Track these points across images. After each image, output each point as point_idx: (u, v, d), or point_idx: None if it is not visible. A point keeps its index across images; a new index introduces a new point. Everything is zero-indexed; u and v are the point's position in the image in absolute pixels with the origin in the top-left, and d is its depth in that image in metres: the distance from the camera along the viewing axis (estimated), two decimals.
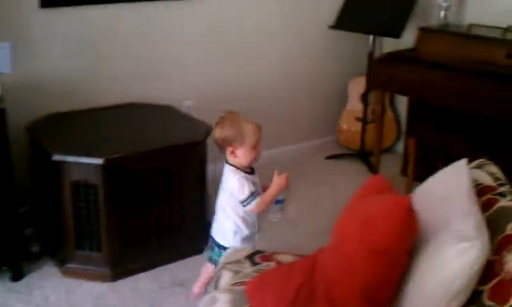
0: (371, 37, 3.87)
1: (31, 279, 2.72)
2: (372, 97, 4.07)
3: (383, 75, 3.50)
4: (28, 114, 2.95)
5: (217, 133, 2.19)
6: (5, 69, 2.63)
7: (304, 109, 4.26)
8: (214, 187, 2.46)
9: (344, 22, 3.83)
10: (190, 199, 2.82)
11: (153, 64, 3.44)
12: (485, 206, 1.62)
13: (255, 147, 2.19)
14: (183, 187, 2.80)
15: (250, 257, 2.09)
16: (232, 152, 2.18)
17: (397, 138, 4.34)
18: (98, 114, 3.12)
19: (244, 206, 2.17)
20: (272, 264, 1.96)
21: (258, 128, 2.20)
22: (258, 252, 2.13)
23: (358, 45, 4.14)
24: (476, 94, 3.03)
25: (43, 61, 3.04)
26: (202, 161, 2.91)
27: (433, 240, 1.48)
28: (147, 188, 2.70)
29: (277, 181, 2.17)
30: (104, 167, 2.55)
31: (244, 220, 2.24)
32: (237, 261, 2.07)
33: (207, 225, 2.57)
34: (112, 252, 2.67)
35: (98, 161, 2.54)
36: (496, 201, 1.66)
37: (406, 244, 1.46)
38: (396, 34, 3.63)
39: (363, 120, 4.09)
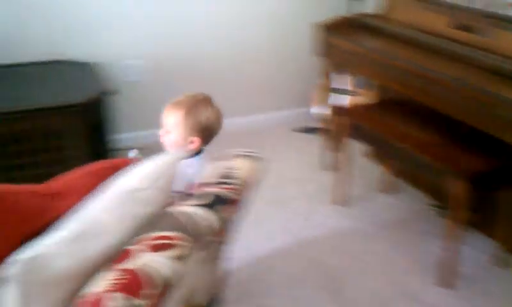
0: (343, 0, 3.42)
1: None
2: None
3: (324, 41, 3.07)
4: None
5: None
6: None
7: (276, 77, 3.99)
8: None
9: None
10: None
11: (94, 18, 3.35)
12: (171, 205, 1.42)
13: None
14: (59, 151, 2.71)
15: None
16: None
17: None
18: (13, 70, 3.13)
19: None
20: None
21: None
22: None
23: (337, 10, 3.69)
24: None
25: None
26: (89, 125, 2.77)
27: None
28: (12, 148, 2.68)
29: None
30: None
31: None
32: None
33: None
34: None
35: None
36: (177, 202, 1.37)
37: None
38: None
39: (338, 92, 3.64)
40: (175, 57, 3.62)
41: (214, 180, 1.48)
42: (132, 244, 1.23)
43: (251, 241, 2.65)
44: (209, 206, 1.37)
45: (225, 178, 1.48)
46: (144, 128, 3.45)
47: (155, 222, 1.32)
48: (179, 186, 1.64)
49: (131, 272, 1.13)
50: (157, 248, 1.20)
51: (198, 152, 1.85)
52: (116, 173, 1.51)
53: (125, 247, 1.23)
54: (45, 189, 1.41)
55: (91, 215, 1.29)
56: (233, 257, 2.24)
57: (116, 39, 3.42)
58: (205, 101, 1.85)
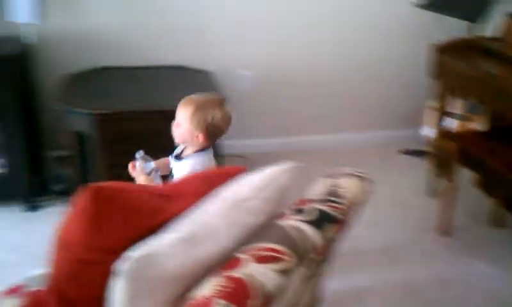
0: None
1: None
2: None
3: (438, 62, 2.97)
4: (78, 64, 3.27)
5: None
6: (33, 19, 2.91)
7: (386, 95, 3.93)
8: None
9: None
10: None
11: (211, 28, 3.50)
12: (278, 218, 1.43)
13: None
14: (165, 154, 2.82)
15: None
16: None
17: None
18: (135, 72, 3.32)
19: None
20: None
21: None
22: None
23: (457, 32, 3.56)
24: None
25: (96, 15, 3.32)
26: None
27: None
28: (120, 146, 2.79)
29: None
30: (93, 120, 2.75)
31: None
32: None
33: None
34: None
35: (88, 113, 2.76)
36: (284, 215, 1.37)
37: (92, 239, 1.28)
38: (472, 18, 3.03)
39: (450, 116, 3.51)
40: (284, 70, 3.66)
41: (320, 197, 1.48)
42: (239, 252, 1.25)
43: (348, 262, 2.60)
44: (315, 223, 1.36)
45: (332, 196, 1.47)
46: (249, 137, 3.55)
47: (263, 233, 1.33)
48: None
49: (237, 281, 1.15)
50: (263, 259, 1.21)
51: (204, 148, 2.03)
52: (227, 180, 1.54)
53: (232, 255, 1.25)
54: (159, 191, 1.46)
55: (202, 220, 1.33)
56: (331, 276, 2.21)
57: (230, 51, 3.54)
58: (215, 102, 2.01)
